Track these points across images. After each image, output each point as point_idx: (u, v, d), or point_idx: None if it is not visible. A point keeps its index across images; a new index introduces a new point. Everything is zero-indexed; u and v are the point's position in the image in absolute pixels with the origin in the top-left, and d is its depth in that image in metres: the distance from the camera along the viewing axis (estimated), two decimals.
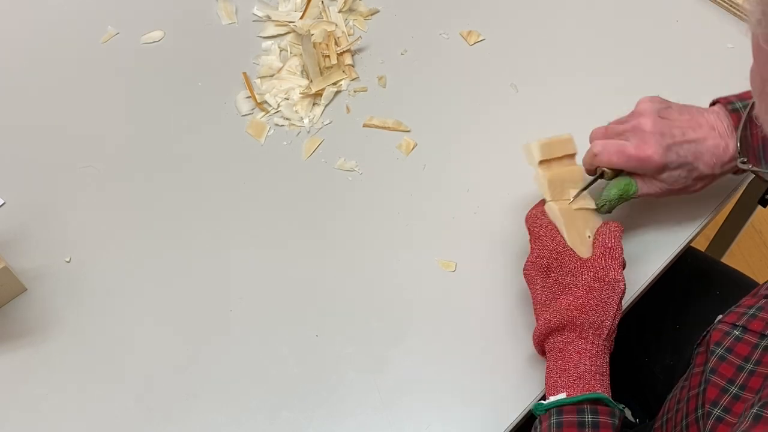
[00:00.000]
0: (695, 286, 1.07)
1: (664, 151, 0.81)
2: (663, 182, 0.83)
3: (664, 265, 0.91)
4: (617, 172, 0.85)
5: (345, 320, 0.90)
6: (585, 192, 0.84)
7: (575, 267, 0.78)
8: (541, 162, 0.84)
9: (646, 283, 0.90)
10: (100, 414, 0.86)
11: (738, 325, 0.75)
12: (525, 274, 0.82)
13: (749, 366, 0.72)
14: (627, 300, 0.87)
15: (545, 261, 0.80)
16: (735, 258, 1.76)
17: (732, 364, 0.73)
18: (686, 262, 1.03)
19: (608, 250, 0.79)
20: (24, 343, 0.91)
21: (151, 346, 0.90)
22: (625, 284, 0.78)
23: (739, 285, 1.06)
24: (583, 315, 0.76)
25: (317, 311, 0.91)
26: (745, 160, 0.63)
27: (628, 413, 1.05)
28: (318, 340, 0.89)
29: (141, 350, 0.90)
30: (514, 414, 0.82)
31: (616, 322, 0.77)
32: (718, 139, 0.81)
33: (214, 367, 0.88)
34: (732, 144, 0.80)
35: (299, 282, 0.93)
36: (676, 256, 0.92)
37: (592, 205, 0.83)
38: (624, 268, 0.82)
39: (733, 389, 0.71)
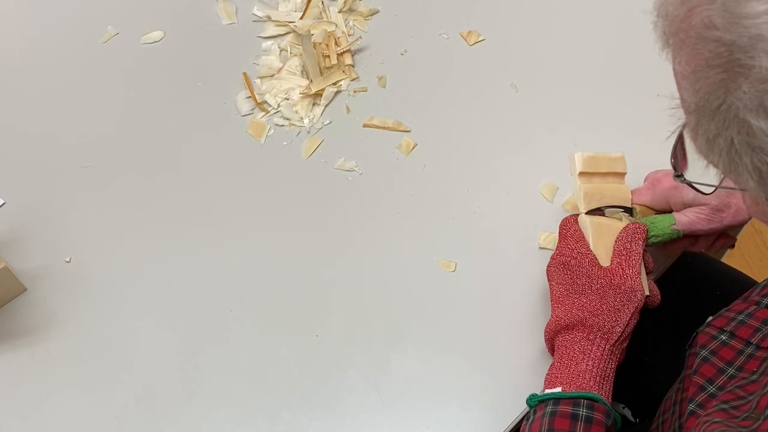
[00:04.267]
0: (695, 286, 1.07)
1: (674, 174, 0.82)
2: (695, 204, 0.83)
3: (664, 265, 0.91)
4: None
5: (345, 320, 0.90)
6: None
7: (592, 270, 0.79)
8: (582, 174, 0.84)
9: None
10: (100, 414, 0.86)
11: (725, 330, 0.76)
12: (547, 271, 0.83)
13: (731, 370, 0.72)
14: None
15: (565, 259, 0.81)
16: (735, 258, 1.76)
17: (714, 365, 0.74)
18: (686, 262, 1.03)
19: (625, 257, 0.79)
20: (24, 343, 0.91)
21: (151, 346, 0.90)
22: (643, 293, 0.78)
23: (739, 285, 1.06)
24: (593, 317, 0.76)
25: (317, 311, 0.91)
26: (680, 174, 0.64)
27: (627, 413, 1.05)
28: (318, 340, 0.89)
29: (141, 350, 0.90)
30: (514, 414, 0.82)
31: (629, 331, 0.77)
32: None
33: (214, 367, 0.88)
34: None
35: (299, 282, 0.93)
36: (676, 256, 0.92)
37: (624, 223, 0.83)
38: (650, 272, 0.82)
39: (711, 388, 0.72)
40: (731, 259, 1.49)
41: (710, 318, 0.79)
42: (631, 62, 1.07)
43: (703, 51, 0.48)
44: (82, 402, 0.87)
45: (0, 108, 1.10)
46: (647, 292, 0.80)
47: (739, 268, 1.13)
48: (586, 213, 0.83)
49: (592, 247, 0.81)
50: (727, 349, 0.74)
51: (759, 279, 1.10)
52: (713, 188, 0.59)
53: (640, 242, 0.80)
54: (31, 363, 0.89)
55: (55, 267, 0.96)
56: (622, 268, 0.78)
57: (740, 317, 0.76)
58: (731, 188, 0.55)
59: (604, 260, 0.80)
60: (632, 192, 0.86)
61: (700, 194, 0.81)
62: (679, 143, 0.61)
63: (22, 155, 1.05)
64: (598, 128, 1.00)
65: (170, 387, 0.87)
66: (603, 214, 0.83)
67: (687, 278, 1.06)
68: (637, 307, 0.77)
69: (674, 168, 0.64)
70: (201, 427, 0.85)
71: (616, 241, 0.81)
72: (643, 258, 0.81)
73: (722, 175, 0.55)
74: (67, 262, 0.96)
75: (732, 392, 0.70)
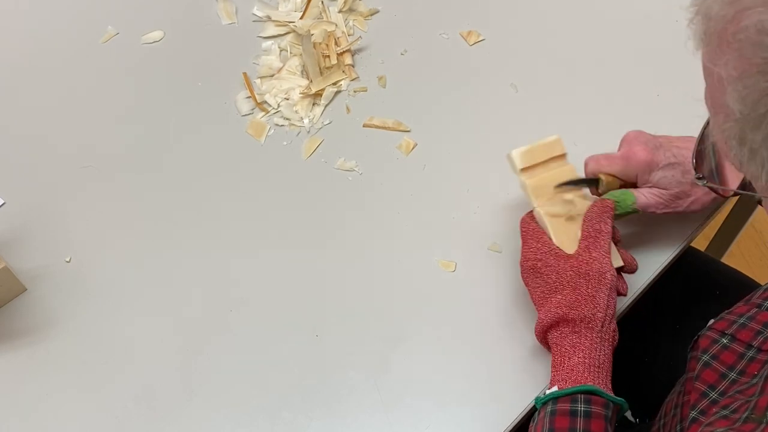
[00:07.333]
0: (695, 286, 1.07)
1: (651, 149, 0.83)
2: (658, 186, 0.84)
3: (664, 265, 0.91)
4: (615, 185, 0.85)
5: (345, 320, 0.90)
6: (585, 193, 0.84)
7: (559, 265, 0.79)
8: (525, 169, 0.85)
9: (646, 283, 0.90)
10: (100, 414, 0.86)
11: (727, 334, 0.76)
12: (521, 277, 0.84)
13: (732, 375, 0.72)
14: (627, 300, 0.87)
15: (531, 263, 0.81)
16: (735, 258, 1.75)
17: (716, 370, 0.74)
18: (686, 262, 1.03)
19: (593, 238, 0.80)
20: (24, 343, 0.91)
21: (151, 346, 0.90)
22: (612, 273, 0.79)
23: (738, 285, 1.06)
24: (572, 311, 0.77)
25: (317, 311, 0.91)
26: (701, 176, 0.63)
27: (627, 413, 1.05)
28: (318, 340, 0.89)
29: (141, 350, 0.90)
30: (514, 414, 0.83)
31: (611, 312, 0.78)
32: None
33: (214, 367, 0.88)
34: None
35: (299, 282, 0.93)
36: (676, 256, 0.92)
37: (586, 205, 0.84)
38: (618, 242, 0.83)
39: (713, 395, 0.72)
40: (731, 259, 1.49)
41: (711, 321, 0.78)
42: (632, 62, 1.07)
43: (754, 57, 0.46)
44: (82, 402, 0.87)
45: (0, 108, 1.10)
46: (620, 263, 0.81)
47: (739, 268, 1.13)
48: (538, 206, 0.84)
49: (554, 239, 0.81)
50: (728, 353, 0.74)
51: (759, 279, 1.10)
52: (732, 192, 0.59)
53: (609, 220, 0.81)
54: (31, 363, 0.89)
55: (55, 267, 0.96)
56: (589, 251, 0.79)
57: (741, 320, 0.76)
58: (753, 194, 0.54)
59: (570, 246, 0.81)
60: (605, 158, 0.85)
61: (667, 177, 0.82)
62: (706, 147, 0.60)
63: (22, 155, 1.05)
64: (598, 128, 1.00)
65: (170, 387, 0.87)
66: (572, 185, 0.84)
67: (687, 278, 1.06)
68: (610, 288, 0.78)
69: (695, 170, 0.63)
70: (201, 427, 0.85)
71: (584, 220, 0.81)
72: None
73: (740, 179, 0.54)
74: (67, 262, 0.96)
75: (733, 397, 0.69)
